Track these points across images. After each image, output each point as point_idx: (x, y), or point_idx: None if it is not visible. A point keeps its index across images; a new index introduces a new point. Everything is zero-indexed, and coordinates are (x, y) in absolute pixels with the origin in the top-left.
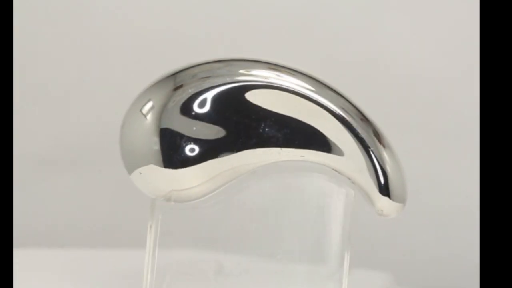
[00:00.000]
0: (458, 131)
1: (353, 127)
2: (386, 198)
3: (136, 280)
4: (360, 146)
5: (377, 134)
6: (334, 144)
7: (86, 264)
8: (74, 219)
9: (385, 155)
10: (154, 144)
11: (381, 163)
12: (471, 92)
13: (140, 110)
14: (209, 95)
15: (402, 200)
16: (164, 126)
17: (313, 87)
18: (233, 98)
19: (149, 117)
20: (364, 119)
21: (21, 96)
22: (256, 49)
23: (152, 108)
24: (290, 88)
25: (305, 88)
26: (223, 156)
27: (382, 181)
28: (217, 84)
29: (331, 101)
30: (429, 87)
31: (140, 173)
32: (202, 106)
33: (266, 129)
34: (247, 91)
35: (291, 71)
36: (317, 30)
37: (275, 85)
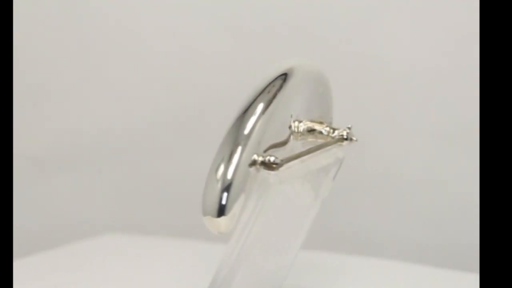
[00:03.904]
0: (458, 129)
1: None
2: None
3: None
4: None
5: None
6: None
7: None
8: (74, 219)
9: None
10: None
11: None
12: (471, 91)
13: None
14: None
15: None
16: None
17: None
18: None
19: None
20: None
21: (21, 96)
22: (256, 48)
23: None
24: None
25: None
26: None
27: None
28: None
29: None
30: (429, 86)
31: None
32: None
33: None
34: None
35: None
36: (317, 28)
37: None
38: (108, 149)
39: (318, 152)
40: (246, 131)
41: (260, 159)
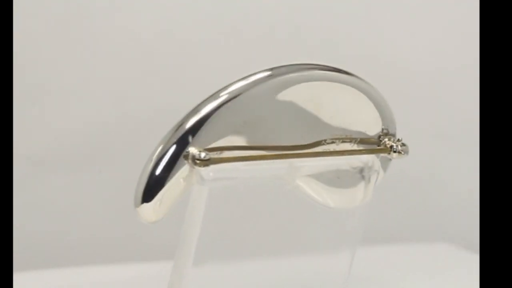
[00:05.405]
0: (458, 127)
1: None
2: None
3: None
4: None
5: None
6: None
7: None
8: (74, 219)
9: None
10: None
11: None
12: (471, 90)
13: None
14: None
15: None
16: None
17: None
18: None
19: None
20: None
21: (21, 96)
22: (257, 50)
23: None
24: None
25: None
26: None
27: None
28: None
29: None
30: (429, 84)
31: None
32: None
33: None
34: None
35: None
36: (318, 27)
37: None
38: (108, 149)
39: (320, 157)
40: (187, 124)
41: (193, 152)
